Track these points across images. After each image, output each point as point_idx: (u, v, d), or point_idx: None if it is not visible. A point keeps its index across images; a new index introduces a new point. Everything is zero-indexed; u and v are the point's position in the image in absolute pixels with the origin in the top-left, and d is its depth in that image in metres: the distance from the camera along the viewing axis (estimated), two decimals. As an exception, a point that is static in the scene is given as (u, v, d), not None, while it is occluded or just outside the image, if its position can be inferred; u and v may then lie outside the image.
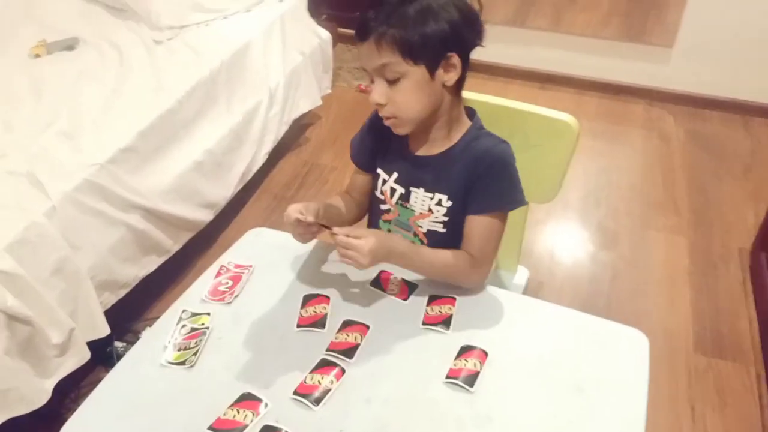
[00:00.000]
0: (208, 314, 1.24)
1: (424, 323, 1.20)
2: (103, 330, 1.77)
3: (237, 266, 1.34)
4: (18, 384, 1.55)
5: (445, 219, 1.29)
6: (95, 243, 1.81)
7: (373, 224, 1.43)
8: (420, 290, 1.28)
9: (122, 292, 1.93)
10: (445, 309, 1.23)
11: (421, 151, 1.29)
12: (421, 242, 1.35)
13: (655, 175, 2.93)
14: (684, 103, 3.43)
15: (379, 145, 1.34)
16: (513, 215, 1.51)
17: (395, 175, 1.32)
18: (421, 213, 1.31)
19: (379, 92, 1.16)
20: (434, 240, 1.33)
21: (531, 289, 2.18)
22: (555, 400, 1.07)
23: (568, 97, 3.51)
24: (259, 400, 1.07)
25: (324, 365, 1.13)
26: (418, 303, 1.25)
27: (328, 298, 1.26)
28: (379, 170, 1.35)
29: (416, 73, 1.14)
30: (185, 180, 2.15)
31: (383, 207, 1.37)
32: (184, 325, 1.22)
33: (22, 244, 1.60)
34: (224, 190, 2.35)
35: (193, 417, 1.05)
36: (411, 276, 1.30)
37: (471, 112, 1.30)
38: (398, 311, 1.24)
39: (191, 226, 2.21)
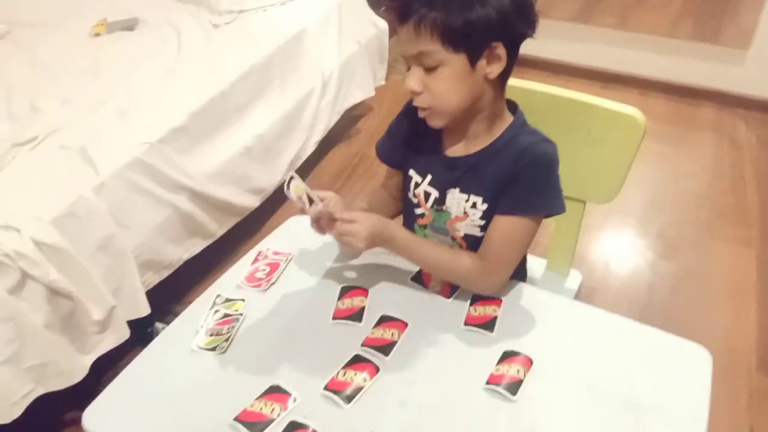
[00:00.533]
0: (243, 300, 1.20)
1: (466, 324, 1.14)
2: (144, 309, 1.77)
3: (275, 253, 1.30)
4: (57, 358, 1.55)
5: (482, 222, 1.20)
6: (142, 222, 1.80)
7: (408, 227, 1.34)
8: (464, 289, 1.21)
9: (165, 273, 1.93)
10: (489, 310, 1.16)
11: (457, 151, 1.20)
12: (460, 246, 1.26)
13: (724, 183, 2.76)
14: (757, 108, 3.22)
15: (412, 143, 1.25)
16: (567, 216, 1.43)
17: (429, 177, 1.23)
18: (456, 216, 1.22)
19: (414, 79, 1.08)
20: (473, 244, 1.25)
21: (583, 295, 2.07)
22: (605, 416, 0.99)
23: (632, 98, 3.36)
24: (288, 393, 1.03)
25: (358, 361, 1.07)
26: (460, 302, 1.18)
27: (366, 291, 1.21)
28: (411, 172, 1.26)
29: (456, 62, 1.05)
30: (234, 164, 2.13)
31: (417, 211, 1.28)
32: (217, 311, 1.18)
33: (69, 218, 1.60)
34: (272, 176, 2.33)
35: (220, 406, 1.02)
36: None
37: (513, 107, 1.20)
38: (439, 309, 1.17)
39: (237, 211, 2.19)
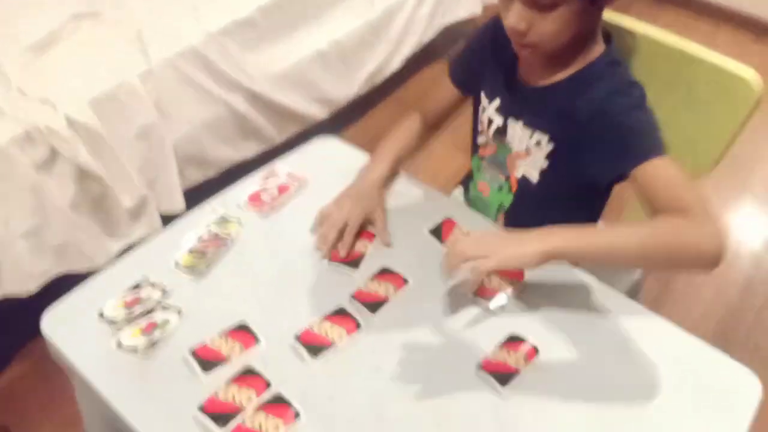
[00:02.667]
0: (239, 223, 1.08)
1: (475, 294, 0.97)
2: (179, 205, 1.71)
3: (288, 175, 1.17)
4: (81, 240, 1.53)
5: (545, 165, 1.03)
6: (189, 115, 1.72)
7: (472, 157, 1.20)
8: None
9: (211, 173, 1.85)
10: (506, 282, 0.98)
11: (532, 77, 1.02)
12: (509, 190, 1.10)
13: None
14: None
15: (485, 64, 1.09)
16: None
17: (497, 102, 1.08)
18: (518, 152, 1.06)
19: (519, 17, 0.89)
20: (521, 192, 1.09)
21: (654, 282, 1.83)
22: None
23: None
24: (254, 335, 0.92)
25: (340, 314, 0.94)
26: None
27: (372, 235, 1.06)
28: (482, 94, 1.11)
29: (577, 1, 0.87)
30: (303, 69, 1.98)
31: (480, 140, 1.14)
32: (209, 227, 1.07)
33: (108, 101, 1.54)
34: (347, 88, 2.17)
35: (182, 333, 0.92)
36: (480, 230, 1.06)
37: (606, 36, 1.00)
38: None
39: (301, 120, 2.06)
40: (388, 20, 2.23)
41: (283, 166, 1.19)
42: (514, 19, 0.89)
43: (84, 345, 0.92)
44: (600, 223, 1.14)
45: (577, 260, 0.95)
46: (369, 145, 1.20)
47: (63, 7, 1.74)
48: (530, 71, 1.02)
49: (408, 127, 1.19)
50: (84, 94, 1.50)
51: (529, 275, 0.99)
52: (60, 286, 1.04)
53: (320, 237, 1.04)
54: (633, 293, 1.29)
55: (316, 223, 1.06)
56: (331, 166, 1.19)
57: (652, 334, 0.93)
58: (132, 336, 0.92)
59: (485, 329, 0.92)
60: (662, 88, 1.10)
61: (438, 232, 1.07)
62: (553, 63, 0.98)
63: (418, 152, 1.23)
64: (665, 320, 0.95)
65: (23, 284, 1.46)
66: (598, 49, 0.98)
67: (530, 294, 0.97)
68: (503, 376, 0.86)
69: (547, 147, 1.02)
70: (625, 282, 1.27)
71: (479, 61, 1.10)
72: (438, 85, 1.19)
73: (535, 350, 0.89)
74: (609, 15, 1.11)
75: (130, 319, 0.94)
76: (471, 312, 0.95)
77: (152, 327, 0.93)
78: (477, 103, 1.13)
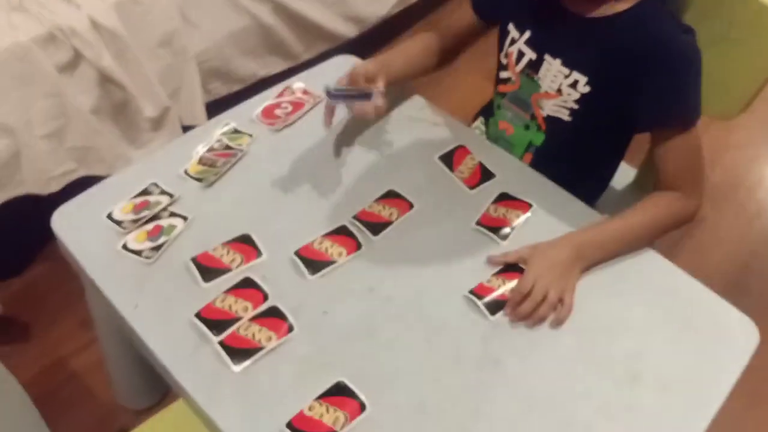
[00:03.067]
0: (251, 136, 1.08)
1: (478, 223, 0.96)
2: (201, 118, 1.70)
3: (304, 92, 1.16)
4: (101, 145, 1.54)
5: (576, 107, 0.99)
6: (213, 25, 1.69)
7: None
8: (495, 183, 1.02)
9: (236, 86, 1.84)
10: (511, 215, 0.97)
11: (576, 6, 0.95)
12: (538, 128, 1.06)
13: None
14: None
15: None
16: None
17: (527, 34, 1.01)
18: (547, 92, 1.01)
19: None
20: (553, 131, 1.04)
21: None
22: (592, 373, 0.81)
23: None
24: (256, 248, 0.93)
25: (341, 233, 0.95)
26: (484, 196, 1.00)
27: (405, 206, 0.99)
28: (510, 26, 1.04)
29: None
30: (333, -17, 1.92)
31: (502, 75, 1.09)
32: (219, 140, 1.07)
33: (132, 5, 1.51)
34: (378, 7, 2.10)
35: (184, 239, 0.94)
36: (493, 163, 1.04)
37: None
38: (456, 199, 1.00)
39: (329, 37, 2.01)
40: (427, -63, 2.14)
41: (299, 83, 1.17)
42: None
43: (91, 245, 0.94)
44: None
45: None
46: None
47: None
48: (575, 1, 0.95)
49: (415, 44, 1.13)
50: (108, -4, 1.48)
51: (540, 213, 0.97)
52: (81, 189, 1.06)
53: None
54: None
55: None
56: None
57: (655, 274, 0.92)
58: (137, 239, 0.94)
59: (483, 260, 0.92)
60: (699, 21, 1.05)
61: (449, 159, 1.05)
62: None
63: (443, 79, 1.18)
64: (669, 262, 0.93)
65: (44, 184, 1.49)
66: None
67: (537, 229, 0.96)
68: (495, 303, 0.86)
69: (583, 89, 0.97)
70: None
71: None
72: (458, 7, 1.13)
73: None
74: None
75: (137, 222, 0.96)
76: (472, 240, 0.94)
77: (158, 231, 0.95)
78: (503, 35, 1.07)
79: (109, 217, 0.97)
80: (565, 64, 0.98)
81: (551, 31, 0.99)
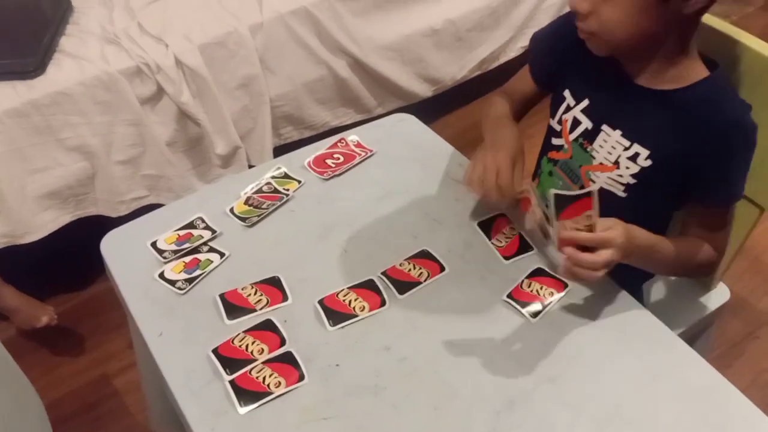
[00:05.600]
0: (299, 182, 1.11)
1: (509, 296, 0.94)
2: (269, 159, 1.77)
3: (358, 145, 1.18)
4: (172, 175, 1.63)
5: (633, 182, 0.96)
6: (291, 73, 1.77)
7: (540, 156, 1.14)
8: (532, 256, 1.00)
9: (307, 133, 1.90)
10: (545, 292, 0.95)
11: (642, 80, 0.94)
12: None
13: None
14: None
15: (568, 61, 1.01)
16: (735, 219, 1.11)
17: (586, 102, 1.00)
18: (602, 164, 0.99)
19: None
20: (607, 207, 1.01)
21: (741, 326, 1.68)
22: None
23: None
24: (283, 291, 0.95)
25: (367, 287, 0.95)
26: (518, 269, 0.98)
27: (441, 267, 0.98)
28: (566, 92, 1.03)
29: None
30: (413, 43, 1.97)
31: (555, 141, 1.07)
32: (268, 183, 1.11)
33: (217, 47, 1.61)
34: (455, 70, 2.14)
35: (220, 275, 0.97)
36: (531, 234, 1.02)
37: (711, 64, 0.93)
38: (489, 267, 0.99)
39: (403, 95, 2.06)
40: (511, 5, 2.17)
41: (354, 135, 1.20)
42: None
43: (132, 270, 0.98)
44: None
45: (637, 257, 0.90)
46: (465, 132, 1.16)
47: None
48: (638, 72, 0.94)
49: (498, 101, 1.12)
50: (196, 38, 1.58)
51: (575, 294, 0.94)
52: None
53: (475, 181, 0.97)
54: (695, 333, 1.20)
55: (467, 182, 0.99)
56: (403, 144, 1.19)
57: (693, 381, 0.87)
58: (174, 270, 0.98)
59: (510, 337, 0.90)
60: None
61: (488, 227, 1.04)
62: (654, 68, 0.92)
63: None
64: (715, 372, 0.87)
65: (115, 207, 1.58)
66: (702, 68, 0.91)
67: (570, 310, 0.93)
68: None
69: (644, 162, 0.94)
70: (690, 318, 1.19)
71: (562, 54, 1.02)
72: (519, 75, 1.13)
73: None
74: (728, 28, 1.03)
75: (177, 253, 1.00)
76: (500, 313, 0.92)
77: (195, 264, 0.99)
78: (558, 100, 1.05)
79: (153, 245, 1.01)
80: (625, 135, 0.95)
81: (612, 102, 0.97)
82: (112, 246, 1.03)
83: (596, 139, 0.99)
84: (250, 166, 1.76)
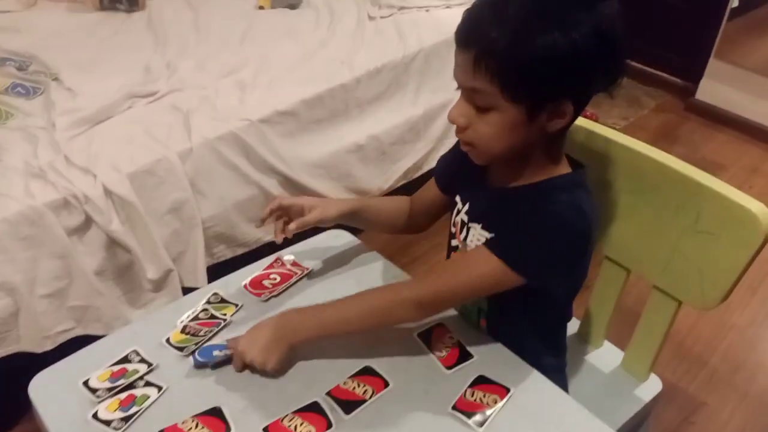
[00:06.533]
0: (237, 306, 1.11)
1: (454, 407, 0.95)
2: (202, 281, 1.75)
3: (294, 264, 1.20)
4: (101, 305, 1.58)
5: None
6: (222, 195, 1.79)
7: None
8: (473, 364, 1.02)
9: (240, 250, 1.90)
10: (488, 400, 0.96)
11: (497, 181, 1.04)
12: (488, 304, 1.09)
13: None
14: None
15: (462, 170, 1.09)
16: (655, 314, 1.21)
17: (467, 205, 1.08)
18: None
19: (460, 112, 0.93)
20: (493, 298, 1.05)
21: (676, 411, 1.73)
22: None
23: None
24: (226, 422, 0.92)
25: (312, 410, 0.94)
26: (461, 378, 0.99)
27: (380, 384, 0.98)
28: (457, 197, 1.12)
29: (512, 111, 0.89)
30: (339, 159, 2.05)
31: (453, 243, 1.13)
32: (205, 309, 1.10)
33: (147, 175, 1.62)
34: (381, 181, 2.22)
35: (159, 410, 0.93)
36: (472, 342, 1.05)
37: (576, 165, 1.02)
38: (433, 379, 1.00)
39: (333, 208, 2.11)
40: (429, 120, 2.30)
41: (290, 255, 1.22)
42: (455, 112, 0.93)
43: (63, 413, 0.93)
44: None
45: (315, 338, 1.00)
46: (395, 239, 1.21)
47: (125, 84, 1.89)
48: (497, 174, 1.03)
49: (393, 199, 1.23)
50: (125, 167, 1.59)
51: (518, 398, 0.96)
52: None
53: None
54: (634, 426, 1.23)
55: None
56: (338, 260, 1.22)
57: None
58: (108, 408, 0.94)
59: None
60: (670, 213, 1.11)
61: (427, 338, 1.06)
62: (515, 168, 0.99)
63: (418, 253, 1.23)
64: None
65: (40, 343, 1.51)
66: (564, 169, 0.99)
67: (514, 414, 0.94)
68: None
69: None
70: (626, 412, 1.23)
71: (459, 164, 1.09)
72: (427, 184, 1.20)
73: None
74: (615, 135, 1.14)
75: (111, 391, 0.96)
76: (447, 425, 0.93)
77: (131, 400, 0.95)
78: (452, 206, 1.13)
79: (86, 384, 0.97)
80: (483, 228, 1.03)
81: (479, 203, 1.06)
82: (40, 388, 0.98)
83: (468, 235, 1.05)
84: (184, 288, 1.73)
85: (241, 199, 1.84)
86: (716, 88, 3.08)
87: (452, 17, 2.32)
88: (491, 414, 0.94)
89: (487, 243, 0.98)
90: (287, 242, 1.26)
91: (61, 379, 0.99)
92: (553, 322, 1.14)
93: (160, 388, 0.97)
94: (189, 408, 0.93)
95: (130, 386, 0.97)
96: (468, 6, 0.91)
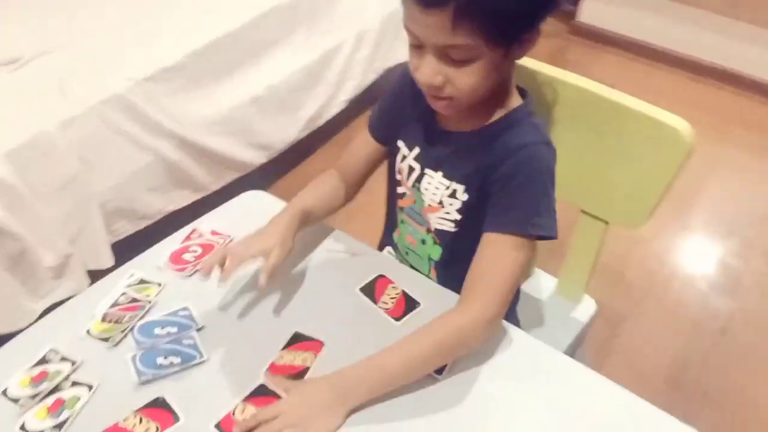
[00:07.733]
0: (159, 285, 1.02)
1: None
2: (107, 261, 1.62)
3: (213, 233, 1.12)
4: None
5: (458, 217, 1.01)
6: (115, 165, 1.65)
7: (389, 209, 1.17)
8: (422, 311, 0.99)
9: (143, 223, 1.77)
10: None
11: (452, 124, 1.00)
12: (433, 242, 1.07)
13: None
14: None
15: (403, 114, 1.05)
16: (585, 236, 1.22)
17: (416, 150, 1.04)
18: (430, 205, 1.03)
19: (433, 71, 0.87)
20: (445, 242, 1.06)
21: (603, 327, 1.81)
22: None
23: (725, 98, 2.83)
24: (173, 412, 0.85)
25: (261, 394, 0.88)
26: (411, 328, 0.96)
27: (320, 344, 0.94)
28: (399, 142, 1.07)
29: (493, 55, 0.85)
30: (237, 114, 1.93)
31: (399, 190, 1.10)
32: (124, 293, 1.01)
33: (26, 152, 1.46)
34: (284, 133, 2.13)
35: (94, 410, 0.85)
36: (416, 290, 1.02)
37: (522, 92, 1.00)
38: (381, 332, 0.96)
39: (238, 167, 2.01)
40: (325, 63, 2.22)
41: (207, 224, 1.13)
42: (429, 72, 0.87)
43: (-17, 430, 0.83)
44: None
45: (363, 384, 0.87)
46: None
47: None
48: (449, 120, 0.99)
49: (323, 181, 1.13)
50: (0, 146, 1.41)
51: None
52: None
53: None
54: (574, 346, 1.27)
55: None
56: (258, 223, 1.13)
57: (591, 395, 0.90)
58: (37, 417, 0.84)
59: (416, 395, 0.88)
60: (594, 136, 1.11)
61: (370, 290, 1.02)
62: (472, 113, 0.96)
63: (352, 209, 1.18)
64: (606, 380, 0.92)
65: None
66: (516, 100, 0.98)
67: (469, 359, 0.93)
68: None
69: (462, 197, 0.99)
70: (567, 335, 1.26)
71: (397, 110, 1.06)
72: (356, 139, 1.14)
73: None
74: (537, 65, 1.12)
75: (36, 398, 0.86)
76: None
77: (59, 405, 0.86)
78: (395, 152, 1.08)
79: (4, 394, 0.86)
80: (445, 176, 1.00)
81: (433, 148, 1.02)
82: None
83: (422, 182, 1.02)
84: (90, 272, 1.59)
85: (137, 167, 1.70)
86: (596, 8, 3.16)
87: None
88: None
89: (488, 227, 0.93)
90: (202, 210, 1.18)
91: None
92: None
93: (90, 387, 0.88)
94: (128, 403, 0.85)
95: (56, 389, 0.88)
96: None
